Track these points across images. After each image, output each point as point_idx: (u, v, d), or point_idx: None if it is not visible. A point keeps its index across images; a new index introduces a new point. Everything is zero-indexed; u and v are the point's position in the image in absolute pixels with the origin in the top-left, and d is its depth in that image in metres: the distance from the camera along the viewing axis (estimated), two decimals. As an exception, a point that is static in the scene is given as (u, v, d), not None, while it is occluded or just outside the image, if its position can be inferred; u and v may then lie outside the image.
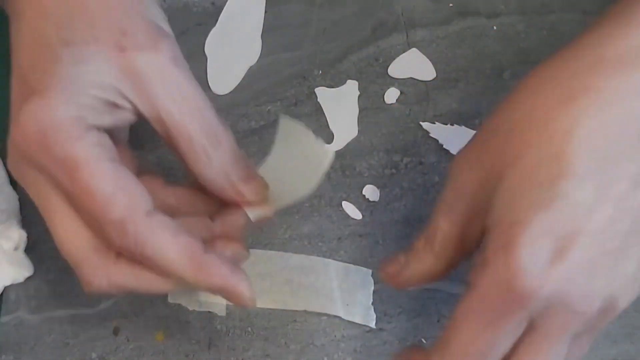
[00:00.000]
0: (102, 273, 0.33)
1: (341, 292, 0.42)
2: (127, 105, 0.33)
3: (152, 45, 0.33)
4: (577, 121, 0.30)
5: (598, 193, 0.29)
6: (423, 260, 0.35)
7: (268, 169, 0.37)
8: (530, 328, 0.31)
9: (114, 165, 0.32)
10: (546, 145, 0.30)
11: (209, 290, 0.34)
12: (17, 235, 0.42)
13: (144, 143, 0.44)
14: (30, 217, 0.43)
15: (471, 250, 0.34)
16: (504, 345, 0.31)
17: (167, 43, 0.34)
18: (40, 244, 0.43)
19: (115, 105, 0.33)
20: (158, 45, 0.33)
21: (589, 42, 0.31)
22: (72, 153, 0.31)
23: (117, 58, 0.33)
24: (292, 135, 0.36)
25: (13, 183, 0.43)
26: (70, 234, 0.33)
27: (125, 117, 0.33)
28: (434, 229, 0.34)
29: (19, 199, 0.43)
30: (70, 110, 0.32)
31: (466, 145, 0.34)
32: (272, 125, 0.45)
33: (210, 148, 0.34)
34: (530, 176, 0.30)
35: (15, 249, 0.42)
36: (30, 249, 0.43)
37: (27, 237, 0.43)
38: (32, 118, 0.31)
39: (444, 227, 0.34)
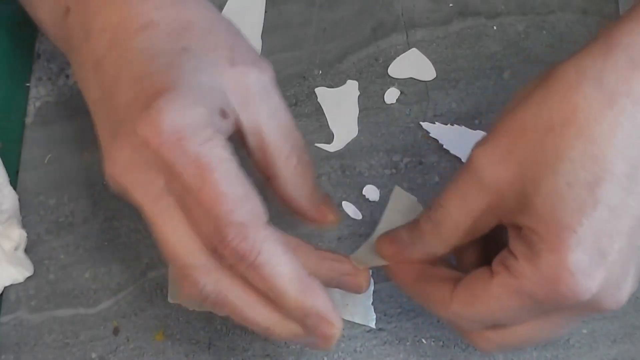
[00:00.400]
0: (212, 275, 0.32)
1: (341, 293, 0.42)
2: (232, 116, 0.34)
3: (256, 64, 0.35)
4: (619, 125, 0.30)
5: (627, 194, 0.30)
6: (428, 244, 0.35)
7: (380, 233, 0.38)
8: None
9: (240, 171, 0.32)
10: (586, 147, 0.30)
11: (302, 314, 0.33)
12: (17, 235, 0.42)
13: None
14: (30, 217, 0.43)
15: (476, 236, 0.34)
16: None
17: (268, 64, 0.36)
18: (40, 244, 0.43)
19: (224, 114, 0.33)
20: (261, 64, 0.35)
21: (623, 38, 0.31)
22: (206, 152, 0.31)
23: (229, 70, 0.34)
24: (403, 206, 0.38)
25: (13, 183, 0.43)
26: (182, 238, 0.32)
27: (228, 128, 0.34)
28: (444, 215, 0.34)
29: (19, 199, 0.43)
30: (202, 110, 0.32)
31: (490, 138, 0.32)
32: (272, 125, 0.45)
33: (301, 167, 0.36)
34: (572, 179, 0.30)
35: (16, 249, 0.42)
36: (30, 249, 0.43)
37: (27, 237, 0.43)
38: (167, 114, 0.31)
39: (456, 216, 0.34)
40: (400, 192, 0.39)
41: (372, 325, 0.42)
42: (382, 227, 0.38)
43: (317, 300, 0.33)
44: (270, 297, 0.33)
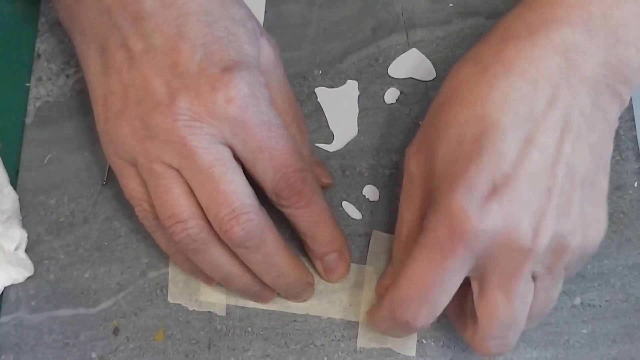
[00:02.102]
0: (264, 219, 0.37)
1: (343, 293, 0.42)
2: None
3: (270, 38, 0.40)
4: (493, 86, 0.34)
5: (524, 143, 0.33)
6: (401, 260, 0.38)
7: (369, 280, 0.42)
8: (483, 270, 0.34)
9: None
10: (469, 110, 0.34)
11: (331, 249, 0.41)
12: (17, 235, 0.42)
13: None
14: (30, 217, 0.43)
15: None
16: (450, 284, 0.34)
17: (274, 41, 0.40)
18: (40, 244, 0.43)
19: None
20: (271, 38, 0.40)
21: (500, 23, 0.36)
22: (272, 112, 0.37)
23: (259, 40, 0.39)
24: (383, 245, 0.43)
25: (13, 183, 0.43)
26: (241, 180, 0.36)
27: None
28: (400, 224, 0.39)
29: (19, 199, 0.43)
30: (262, 80, 0.37)
31: (414, 138, 0.38)
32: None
33: (299, 134, 0.41)
34: (461, 138, 0.34)
35: (16, 249, 0.42)
36: (30, 249, 0.43)
37: (27, 237, 0.43)
38: (245, 80, 0.36)
39: (407, 217, 0.38)
40: (378, 234, 0.43)
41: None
42: (369, 269, 0.42)
43: (342, 239, 0.41)
44: (309, 233, 0.40)
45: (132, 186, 0.38)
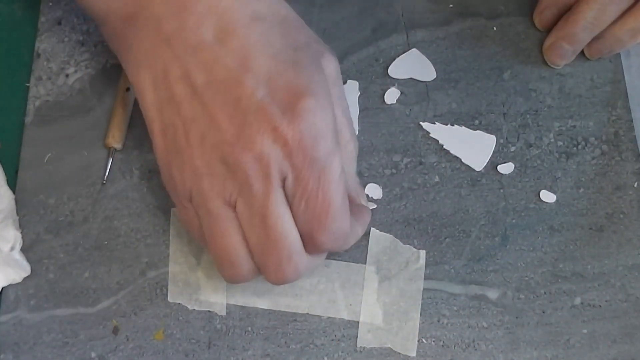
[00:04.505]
0: (307, 262, 0.37)
1: (344, 292, 0.42)
2: None
3: (330, 55, 0.39)
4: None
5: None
6: None
7: (369, 280, 0.43)
8: None
9: (344, 181, 0.37)
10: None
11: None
12: (12, 236, 0.42)
13: (143, 142, 0.44)
14: (29, 216, 0.43)
15: None
16: None
17: (334, 53, 0.39)
18: (39, 244, 0.43)
19: None
20: (332, 54, 0.39)
21: None
22: (330, 164, 0.35)
23: (322, 63, 0.38)
24: (382, 244, 0.43)
25: (12, 182, 0.43)
26: (292, 228, 0.36)
27: None
28: None
29: (19, 199, 0.43)
30: (331, 117, 0.36)
31: None
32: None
33: (355, 151, 0.41)
34: None
35: (11, 249, 0.42)
36: (30, 249, 0.43)
37: (26, 236, 0.43)
38: (312, 118, 0.34)
39: None
40: (377, 234, 0.43)
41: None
42: (369, 269, 0.42)
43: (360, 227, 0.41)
44: None
45: (193, 223, 0.38)
